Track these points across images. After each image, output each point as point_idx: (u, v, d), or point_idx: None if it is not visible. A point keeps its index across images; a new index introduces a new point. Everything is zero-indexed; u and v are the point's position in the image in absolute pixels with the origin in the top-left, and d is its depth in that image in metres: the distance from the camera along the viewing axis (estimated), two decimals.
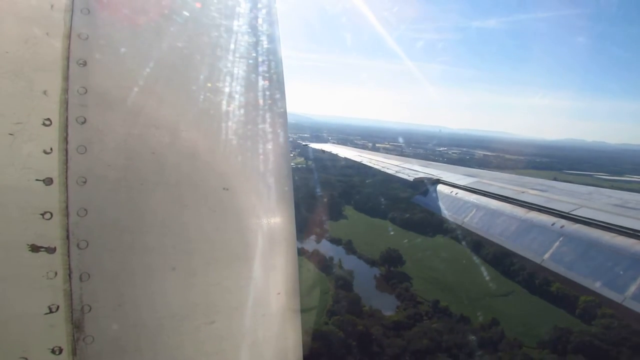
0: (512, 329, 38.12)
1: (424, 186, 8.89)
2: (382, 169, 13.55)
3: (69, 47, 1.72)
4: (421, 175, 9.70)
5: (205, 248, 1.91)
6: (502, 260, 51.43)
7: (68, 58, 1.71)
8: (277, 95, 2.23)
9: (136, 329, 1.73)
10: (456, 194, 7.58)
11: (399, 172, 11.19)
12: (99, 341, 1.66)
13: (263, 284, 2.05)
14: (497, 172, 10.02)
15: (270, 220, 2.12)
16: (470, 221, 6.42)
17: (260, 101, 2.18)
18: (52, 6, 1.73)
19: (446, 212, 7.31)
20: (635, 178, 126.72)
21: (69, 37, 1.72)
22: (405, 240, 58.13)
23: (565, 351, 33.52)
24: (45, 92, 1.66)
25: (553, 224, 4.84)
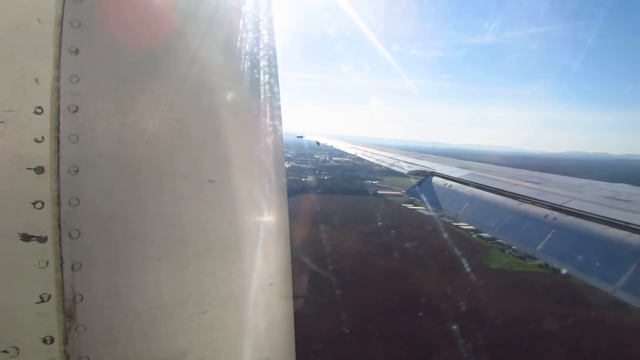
0: None
1: (418, 178, 8.90)
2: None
3: (60, 35, 1.69)
4: (416, 168, 9.71)
5: (198, 238, 1.90)
6: None
7: (60, 45, 1.69)
8: (273, 88, 2.22)
9: (128, 319, 1.73)
10: (450, 186, 7.61)
11: (393, 165, 11.20)
12: (91, 330, 1.66)
13: (256, 275, 2.05)
14: (490, 165, 10.02)
15: (264, 211, 2.12)
16: (464, 213, 6.45)
17: (256, 92, 2.17)
18: None
19: (440, 204, 7.34)
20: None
21: (60, 24, 1.70)
22: None
23: None
24: (36, 80, 1.64)
25: (546, 216, 4.87)
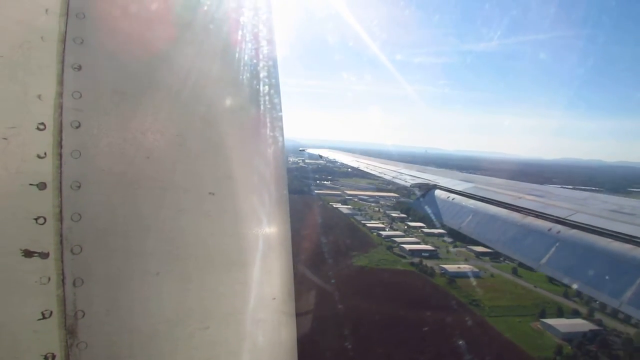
0: None
1: (421, 192, 8.89)
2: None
3: (63, 51, 1.71)
4: (419, 181, 9.71)
5: (200, 253, 1.90)
6: None
7: (63, 62, 1.70)
8: (273, 99, 2.23)
9: (130, 335, 1.72)
10: (453, 199, 7.58)
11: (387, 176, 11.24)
12: (93, 347, 1.64)
13: (258, 289, 2.04)
14: (493, 178, 9.99)
15: (266, 225, 2.12)
16: (467, 226, 6.41)
17: (256, 104, 2.18)
18: (46, 10, 1.72)
19: (443, 218, 7.30)
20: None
21: (63, 41, 1.72)
22: None
23: None
24: (39, 97, 1.65)
25: (549, 229, 4.84)
